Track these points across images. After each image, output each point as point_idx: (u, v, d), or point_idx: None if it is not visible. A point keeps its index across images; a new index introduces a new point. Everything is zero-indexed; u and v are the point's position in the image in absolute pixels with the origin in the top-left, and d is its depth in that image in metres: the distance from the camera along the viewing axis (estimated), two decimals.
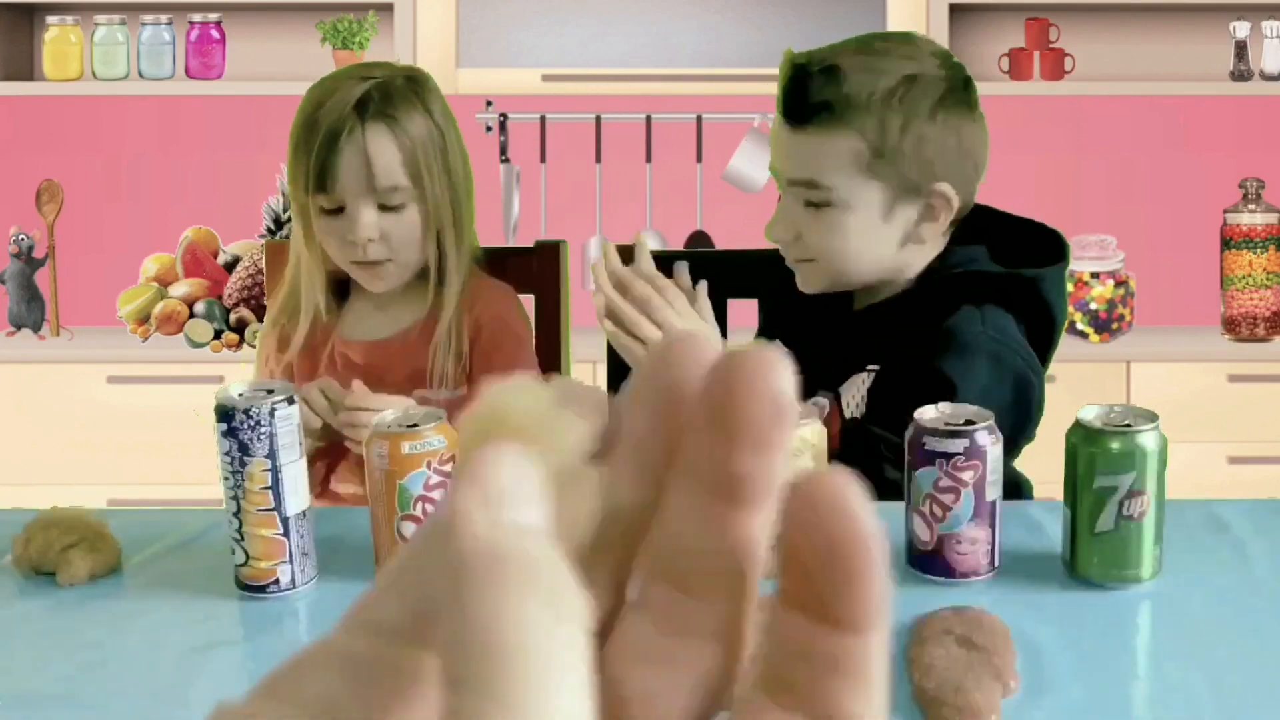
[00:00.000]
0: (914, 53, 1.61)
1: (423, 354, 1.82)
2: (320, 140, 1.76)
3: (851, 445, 1.53)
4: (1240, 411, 3.58)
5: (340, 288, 1.89)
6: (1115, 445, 1.21)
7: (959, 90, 1.61)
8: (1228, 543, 1.34)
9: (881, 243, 1.63)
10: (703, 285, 1.62)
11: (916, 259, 1.65)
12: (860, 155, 1.58)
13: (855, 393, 1.62)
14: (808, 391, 1.54)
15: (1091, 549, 1.23)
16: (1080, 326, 3.70)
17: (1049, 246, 1.66)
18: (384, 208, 1.78)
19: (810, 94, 1.57)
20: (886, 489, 1.44)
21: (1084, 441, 1.23)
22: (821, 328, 1.73)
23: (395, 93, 1.77)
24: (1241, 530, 1.37)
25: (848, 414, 1.61)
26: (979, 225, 1.67)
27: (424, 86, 1.82)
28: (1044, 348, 1.64)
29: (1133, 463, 1.21)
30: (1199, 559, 1.30)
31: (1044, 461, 1.53)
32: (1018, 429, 1.54)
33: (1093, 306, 3.69)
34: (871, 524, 0.28)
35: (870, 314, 1.68)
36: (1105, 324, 3.69)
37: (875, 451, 1.51)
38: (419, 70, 1.86)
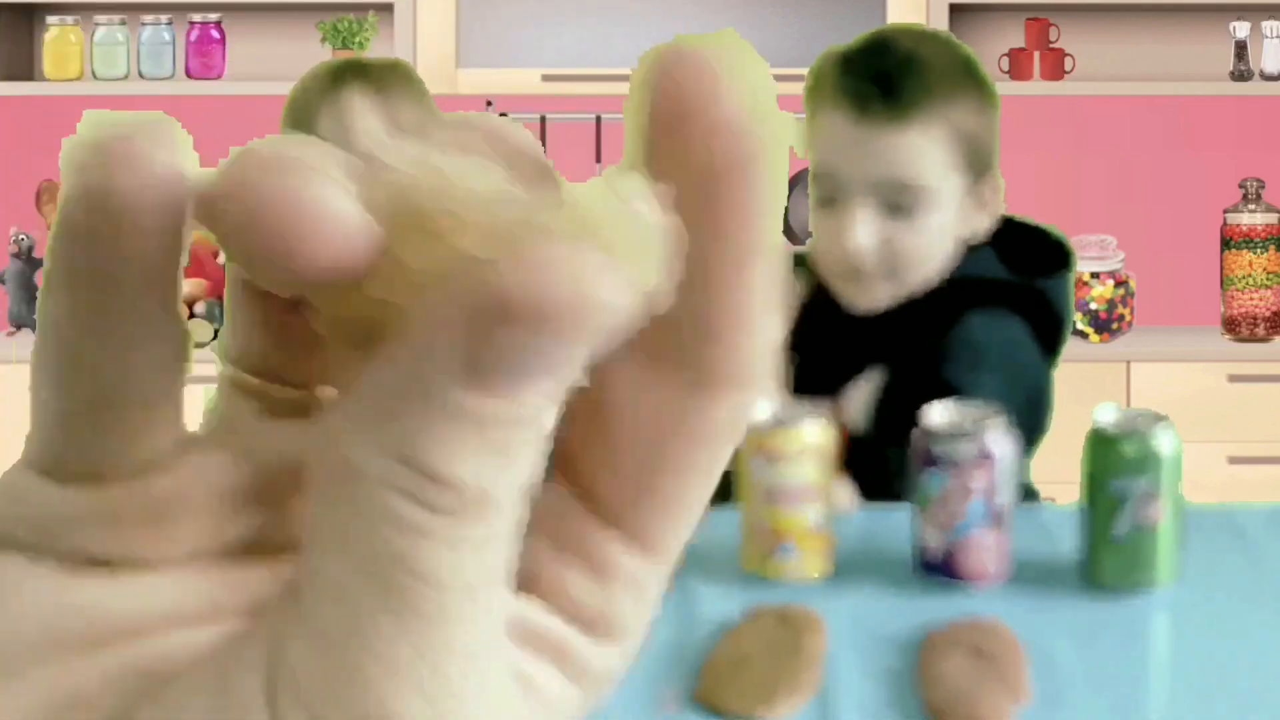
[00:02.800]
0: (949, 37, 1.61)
1: None
2: (294, 108, 1.66)
3: (860, 459, 1.50)
4: (1240, 411, 3.57)
5: None
6: (1129, 449, 1.20)
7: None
8: (1245, 549, 1.33)
9: (949, 239, 1.58)
10: None
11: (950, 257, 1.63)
12: (952, 146, 1.53)
13: (861, 398, 1.60)
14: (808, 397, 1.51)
15: (1107, 554, 1.22)
16: (1080, 326, 3.69)
17: (1053, 252, 1.65)
18: None
19: (907, 86, 1.49)
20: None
21: (1098, 445, 1.22)
22: (822, 332, 1.70)
23: (380, 67, 1.71)
24: (1259, 536, 1.36)
25: (852, 424, 1.58)
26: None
27: (410, 73, 1.75)
28: (1051, 353, 1.63)
29: (1147, 467, 1.20)
30: (1216, 565, 1.29)
31: (1043, 461, 1.52)
32: (1029, 438, 1.52)
33: (1093, 306, 3.69)
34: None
35: (874, 318, 1.65)
36: (1105, 324, 3.69)
37: (885, 468, 1.49)
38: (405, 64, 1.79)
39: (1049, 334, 1.62)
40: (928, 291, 1.61)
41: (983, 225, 1.62)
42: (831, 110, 1.54)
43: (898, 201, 1.53)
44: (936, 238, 1.57)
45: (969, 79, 1.56)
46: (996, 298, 1.59)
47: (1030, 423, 1.47)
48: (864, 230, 1.53)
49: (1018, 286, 1.60)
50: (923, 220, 1.54)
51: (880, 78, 1.50)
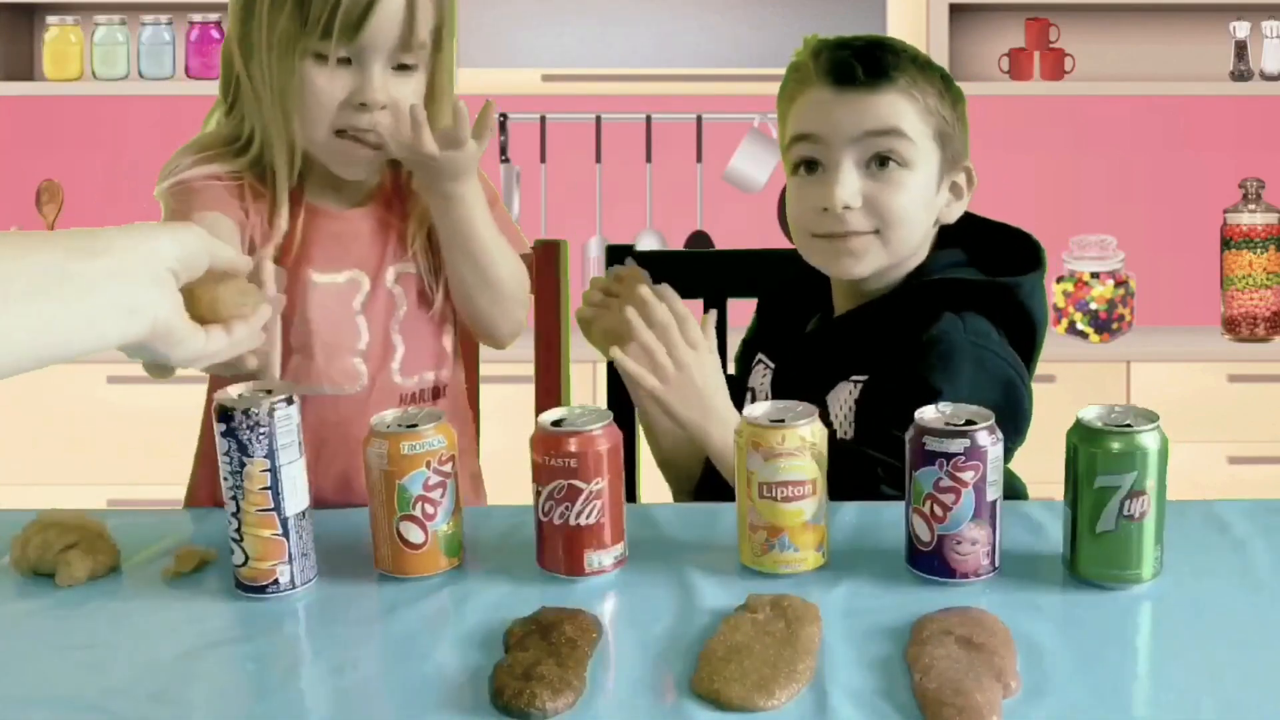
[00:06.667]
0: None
1: (394, 221, 1.66)
2: None
3: (845, 463, 1.50)
4: (1240, 411, 3.58)
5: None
6: (1116, 445, 1.21)
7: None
8: (1228, 543, 1.34)
9: (928, 216, 1.64)
10: (711, 315, 1.57)
11: (925, 247, 1.66)
12: (926, 118, 1.60)
13: (842, 404, 1.61)
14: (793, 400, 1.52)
15: (1092, 549, 1.23)
16: (1080, 326, 3.70)
17: (1026, 253, 1.66)
18: (400, 68, 1.56)
19: (885, 60, 1.59)
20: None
21: (1084, 441, 1.22)
22: (805, 334, 1.72)
23: None
24: (1242, 530, 1.37)
25: (837, 430, 1.59)
26: (957, 230, 1.68)
27: None
28: (1027, 354, 1.63)
29: (1133, 463, 1.20)
30: (1199, 559, 1.30)
31: (1043, 461, 1.53)
32: (1007, 432, 1.52)
33: (1093, 306, 3.69)
34: None
35: (851, 320, 1.67)
36: (1105, 324, 3.69)
37: (871, 472, 1.50)
38: None
39: (1023, 334, 1.63)
40: (901, 294, 1.63)
41: (958, 212, 1.68)
42: (814, 85, 1.62)
43: (880, 153, 1.59)
44: (919, 199, 1.61)
45: (935, 71, 1.64)
46: (968, 299, 1.60)
47: (1008, 418, 1.47)
48: (849, 185, 1.59)
49: (989, 287, 1.61)
50: (902, 178, 1.60)
51: (860, 53, 1.59)
